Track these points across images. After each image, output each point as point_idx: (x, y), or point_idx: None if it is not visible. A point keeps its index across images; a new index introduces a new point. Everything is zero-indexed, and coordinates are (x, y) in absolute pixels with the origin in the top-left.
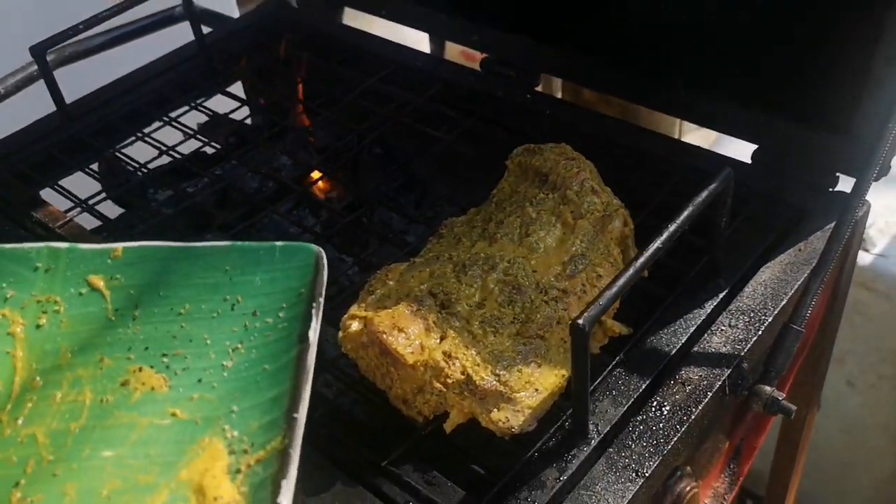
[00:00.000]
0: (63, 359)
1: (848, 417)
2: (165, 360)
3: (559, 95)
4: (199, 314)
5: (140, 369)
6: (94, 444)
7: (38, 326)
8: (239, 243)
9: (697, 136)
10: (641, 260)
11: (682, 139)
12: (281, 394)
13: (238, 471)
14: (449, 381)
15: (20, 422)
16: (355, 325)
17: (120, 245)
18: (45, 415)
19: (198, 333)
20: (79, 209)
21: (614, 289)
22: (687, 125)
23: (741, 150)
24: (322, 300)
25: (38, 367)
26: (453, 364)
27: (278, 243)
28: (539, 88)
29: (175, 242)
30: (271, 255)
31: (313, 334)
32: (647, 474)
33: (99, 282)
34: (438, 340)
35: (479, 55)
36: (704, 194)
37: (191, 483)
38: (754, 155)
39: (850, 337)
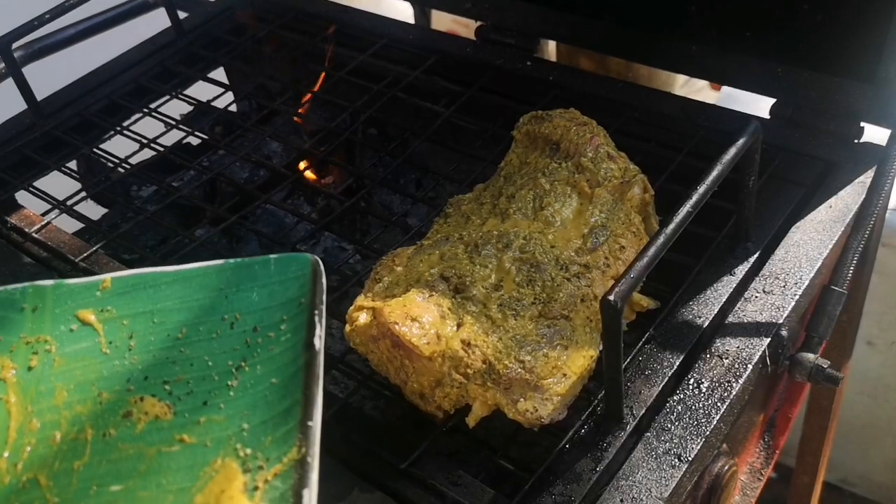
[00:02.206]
0: (59, 398)
1: (869, 378)
2: (167, 387)
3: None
4: (198, 336)
5: (141, 399)
6: (101, 479)
7: (29, 368)
8: (232, 261)
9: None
10: (671, 227)
11: None
12: (293, 404)
13: (256, 488)
14: (470, 371)
15: (20, 467)
16: (363, 317)
17: (108, 276)
18: (45, 457)
19: (198, 356)
20: (57, 211)
21: (645, 259)
22: (688, 88)
23: (749, 109)
24: (324, 307)
25: (34, 410)
26: (473, 353)
27: (272, 256)
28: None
29: (166, 267)
30: (266, 269)
31: (319, 341)
32: (690, 458)
33: (90, 316)
34: (455, 328)
35: (468, 25)
36: (733, 151)
37: None
38: (773, 109)
39: (868, 296)
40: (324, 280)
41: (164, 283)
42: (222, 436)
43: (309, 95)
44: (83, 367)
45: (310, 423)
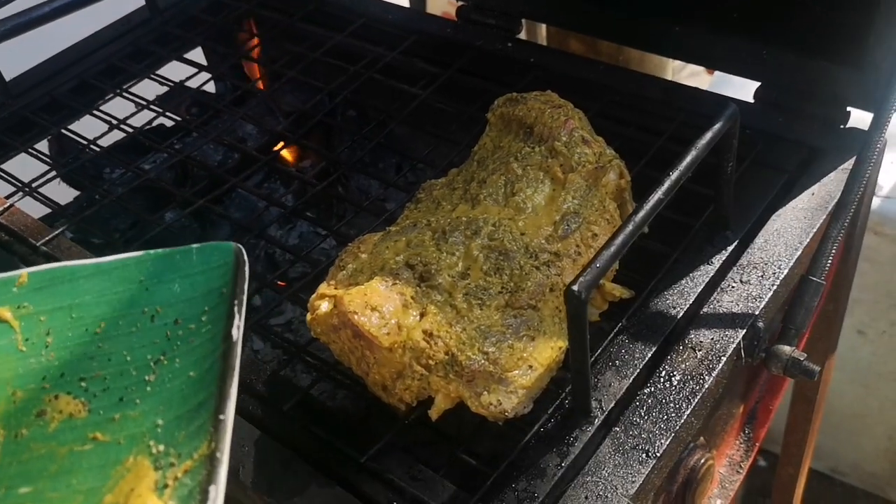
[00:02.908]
0: None
1: (860, 367)
2: (83, 384)
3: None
4: (117, 331)
5: (56, 397)
6: (10, 481)
7: None
8: (153, 251)
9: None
10: (641, 214)
11: None
12: (207, 398)
13: (166, 486)
14: (431, 363)
15: None
16: (324, 306)
17: (24, 271)
18: None
19: (117, 351)
20: (21, 194)
21: (612, 248)
22: (679, 75)
23: (740, 93)
24: (244, 297)
25: None
26: (435, 343)
27: (195, 246)
28: (523, 37)
29: (84, 260)
30: (188, 260)
31: (237, 331)
32: (658, 454)
33: (6, 313)
34: (418, 318)
35: None
36: (709, 136)
37: None
38: (757, 93)
39: (859, 284)
40: (247, 269)
41: (82, 277)
42: (136, 432)
43: (285, 76)
44: None
45: (221, 417)
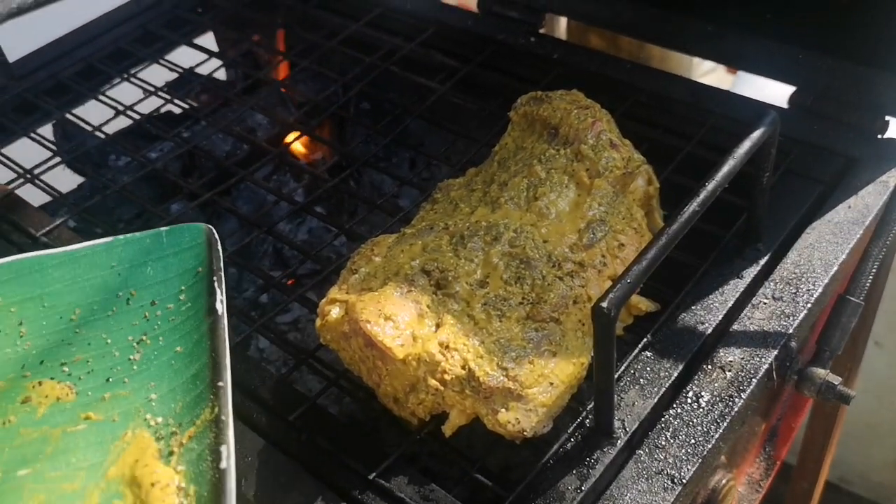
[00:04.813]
0: None
1: (875, 378)
2: (66, 368)
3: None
4: (93, 316)
5: (40, 383)
6: (6, 465)
7: None
8: (122, 237)
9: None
10: (675, 227)
11: None
12: (200, 368)
13: (171, 453)
14: (447, 377)
15: None
16: (335, 312)
17: None
18: None
19: (95, 335)
20: (21, 180)
21: (644, 263)
22: (702, 69)
23: (762, 95)
24: (222, 273)
25: None
26: (452, 357)
27: (164, 228)
28: (543, 32)
29: (51, 250)
30: (158, 243)
31: (221, 305)
32: (684, 480)
33: None
34: (434, 328)
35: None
36: (747, 145)
37: (122, 478)
38: (792, 98)
39: None
40: (220, 247)
41: (50, 267)
42: (129, 409)
43: (299, 66)
44: None
45: (220, 384)
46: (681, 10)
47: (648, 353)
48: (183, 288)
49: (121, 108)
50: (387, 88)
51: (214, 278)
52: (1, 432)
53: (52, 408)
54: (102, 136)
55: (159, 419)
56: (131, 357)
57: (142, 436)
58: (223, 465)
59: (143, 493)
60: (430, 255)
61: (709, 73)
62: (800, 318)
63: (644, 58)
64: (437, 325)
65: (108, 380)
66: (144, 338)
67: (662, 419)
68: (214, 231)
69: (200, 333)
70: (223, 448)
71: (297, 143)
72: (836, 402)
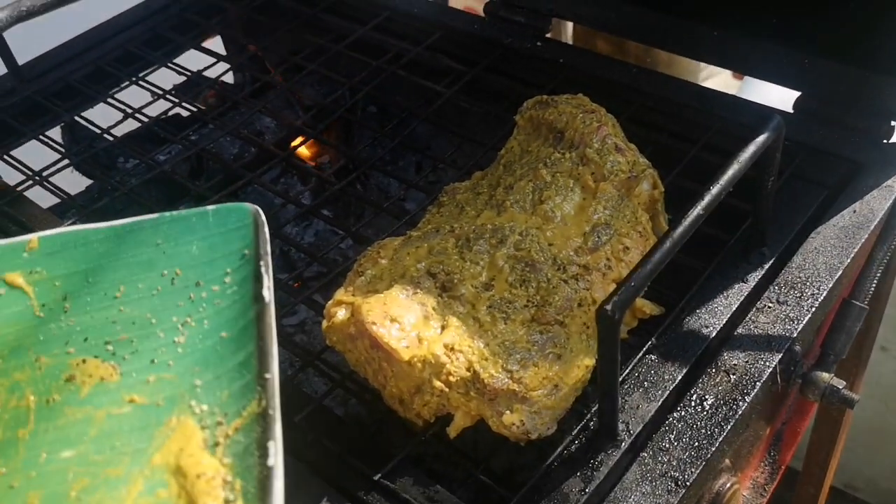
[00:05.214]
0: None
1: (881, 384)
2: (110, 347)
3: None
4: (137, 294)
5: (84, 361)
6: (50, 446)
7: None
8: (168, 213)
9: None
10: (680, 231)
11: None
12: (247, 357)
13: (216, 444)
14: (452, 379)
15: None
16: (341, 314)
17: (35, 235)
18: None
19: (140, 314)
20: (30, 182)
21: (648, 266)
22: (697, 77)
23: (770, 100)
24: (269, 258)
25: None
26: (457, 358)
27: (210, 207)
28: (549, 36)
29: (97, 224)
30: (204, 221)
31: (268, 293)
32: (688, 483)
33: (17, 278)
34: (439, 330)
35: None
36: (752, 149)
37: (167, 466)
38: (798, 103)
39: None
40: (266, 230)
41: (95, 241)
42: (174, 393)
43: (306, 69)
44: (16, 332)
45: (267, 376)
46: (687, 15)
47: (653, 356)
48: (229, 270)
49: (129, 110)
50: (393, 92)
51: (262, 263)
52: (45, 411)
53: (96, 387)
54: (111, 138)
55: (204, 406)
56: (176, 339)
57: (186, 423)
58: (271, 461)
59: (189, 483)
60: (436, 258)
61: (714, 77)
62: (804, 322)
63: (650, 62)
64: (443, 327)
65: (152, 361)
66: (189, 320)
67: (666, 422)
68: (262, 213)
69: (247, 320)
70: (270, 444)
71: (303, 147)
72: (840, 405)
